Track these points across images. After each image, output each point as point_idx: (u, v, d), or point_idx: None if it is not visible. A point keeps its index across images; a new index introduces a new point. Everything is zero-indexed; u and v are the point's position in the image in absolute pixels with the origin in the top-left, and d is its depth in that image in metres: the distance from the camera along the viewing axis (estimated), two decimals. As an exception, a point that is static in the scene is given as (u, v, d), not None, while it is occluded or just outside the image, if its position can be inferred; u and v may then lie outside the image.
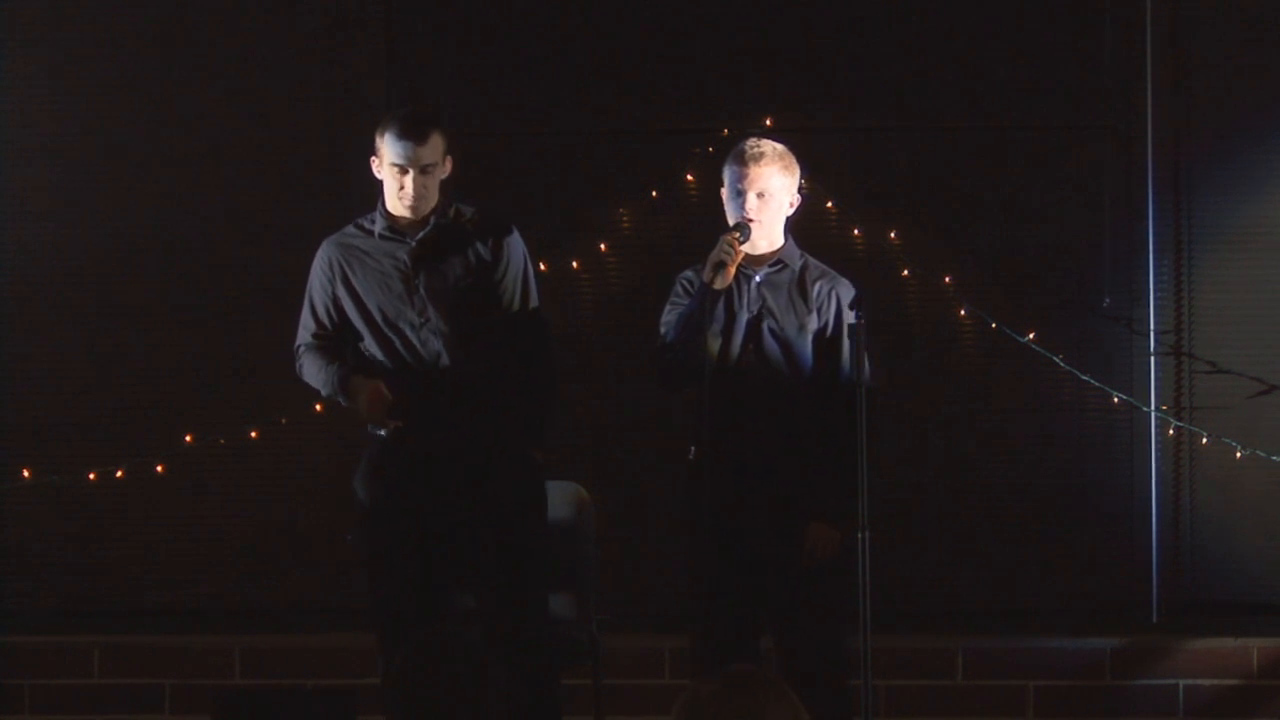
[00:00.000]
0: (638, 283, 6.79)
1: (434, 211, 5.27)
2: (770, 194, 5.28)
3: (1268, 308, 6.85)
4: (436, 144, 5.23)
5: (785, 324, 5.29)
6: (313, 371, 5.37)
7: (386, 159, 5.24)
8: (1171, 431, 6.81)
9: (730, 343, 5.27)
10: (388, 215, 5.29)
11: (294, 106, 6.96)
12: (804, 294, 5.32)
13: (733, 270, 5.20)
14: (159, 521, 6.92)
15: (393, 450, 5.24)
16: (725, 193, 5.34)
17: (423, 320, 5.24)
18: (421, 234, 5.26)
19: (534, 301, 5.36)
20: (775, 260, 5.34)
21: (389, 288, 5.27)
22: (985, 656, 6.58)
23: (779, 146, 5.34)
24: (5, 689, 6.64)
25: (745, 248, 5.24)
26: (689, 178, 6.78)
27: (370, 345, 5.29)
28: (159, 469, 6.80)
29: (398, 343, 5.25)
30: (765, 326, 5.28)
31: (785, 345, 5.28)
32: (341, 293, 5.32)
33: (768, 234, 5.32)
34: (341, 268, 5.32)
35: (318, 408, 6.75)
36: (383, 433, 5.25)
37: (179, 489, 6.87)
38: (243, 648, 6.66)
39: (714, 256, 5.18)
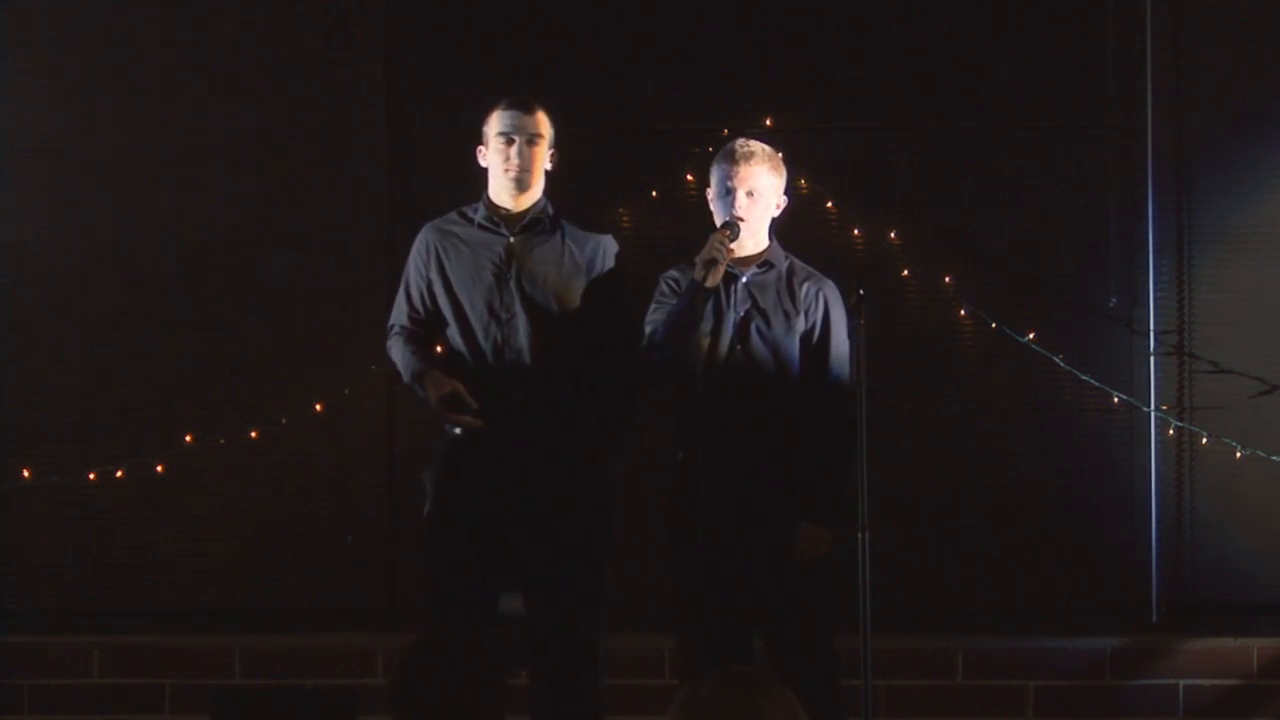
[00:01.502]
0: (638, 283, 6.78)
1: (535, 207, 5.27)
2: (759, 193, 5.29)
3: (1268, 308, 6.85)
4: (543, 120, 5.31)
5: (774, 324, 5.29)
6: (398, 356, 5.37)
7: (494, 132, 5.29)
8: (1171, 431, 6.81)
9: (718, 343, 5.27)
10: (490, 205, 5.31)
11: (294, 106, 6.96)
12: (791, 294, 5.33)
13: (723, 268, 5.20)
14: (159, 521, 6.91)
15: (465, 446, 5.22)
16: (712, 193, 5.35)
17: (509, 315, 5.22)
18: (519, 227, 5.26)
19: (623, 312, 5.35)
20: (762, 261, 5.35)
21: (480, 278, 5.26)
22: (985, 656, 6.58)
23: (767, 147, 5.35)
24: (5, 689, 6.64)
25: (731, 247, 5.25)
26: (689, 178, 6.77)
27: (454, 334, 5.28)
28: (159, 469, 6.80)
29: (482, 335, 5.23)
30: (754, 327, 5.28)
31: (773, 346, 5.29)
32: (435, 278, 5.32)
33: (754, 234, 5.33)
34: (438, 253, 5.32)
35: (318, 408, 6.75)
36: (457, 430, 5.23)
37: (179, 489, 6.87)
38: (243, 648, 6.66)
39: (705, 254, 5.19)
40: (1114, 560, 6.85)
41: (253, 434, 6.80)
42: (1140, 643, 6.59)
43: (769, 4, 6.94)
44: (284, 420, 6.79)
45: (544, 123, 5.29)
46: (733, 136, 5.58)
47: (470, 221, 5.32)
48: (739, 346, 5.28)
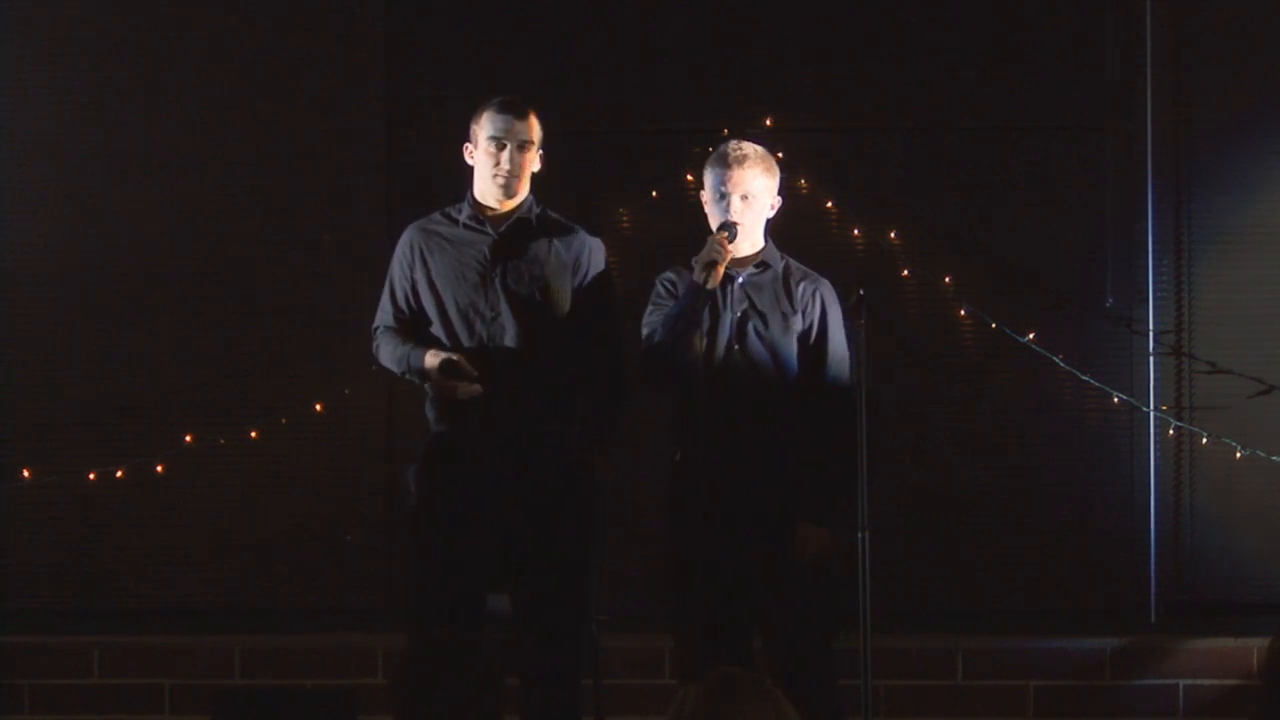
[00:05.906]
0: (637, 283, 6.78)
1: (521, 206, 5.28)
2: (753, 196, 5.30)
3: (1268, 308, 6.85)
4: (534, 124, 5.30)
5: (771, 324, 5.30)
6: (388, 352, 5.35)
7: (484, 134, 5.27)
8: (1171, 431, 6.81)
9: (715, 344, 5.27)
10: (475, 204, 5.30)
11: (294, 106, 6.96)
12: (789, 295, 5.34)
13: (722, 270, 5.22)
14: (159, 521, 6.92)
15: (450, 445, 5.23)
16: (707, 195, 5.35)
17: (494, 314, 5.22)
18: (504, 227, 5.26)
19: (610, 312, 5.35)
20: (758, 261, 5.36)
21: (465, 278, 5.25)
22: (985, 656, 6.58)
23: (760, 149, 5.36)
24: (5, 689, 6.64)
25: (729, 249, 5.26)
26: (689, 178, 6.77)
27: (439, 333, 5.26)
28: (159, 469, 6.80)
29: (467, 334, 5.22)
30: (751, 327, 5.29)
31: (771, 346, 5.29)
32: (419, 278, 5.31)
33: (750, 235, 5.34)
34: (422, 253, 5.31)
35: (318, 408, 6.76)
36: (442, 429, 5.22)
37: (179, 489, 6.87)
38: (243, 648, 6.66)
39: (704, 256, 5.20)
40: (1113, 560, 6.85)
41: (253, 434, 6.81)
42: (1140, 643, 6.59)
43: (769, 4, 6.94)
44: (284, 420, 6.79)
45: (535, 128, 5.29)
46: (733, 136, 5.58)
47: (455, 221, 5.32)
48: (736, 347, 5.29)
